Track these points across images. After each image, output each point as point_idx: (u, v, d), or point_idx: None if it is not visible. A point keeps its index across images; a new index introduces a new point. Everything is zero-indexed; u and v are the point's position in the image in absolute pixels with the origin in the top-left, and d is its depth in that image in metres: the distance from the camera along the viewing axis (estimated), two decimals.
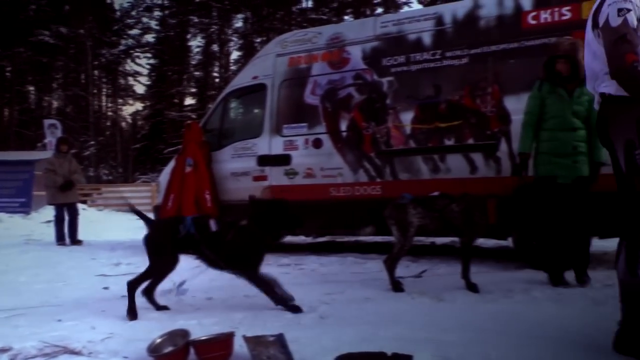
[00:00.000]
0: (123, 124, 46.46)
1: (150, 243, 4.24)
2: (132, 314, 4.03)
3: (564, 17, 6.07)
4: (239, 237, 4.16)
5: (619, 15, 2.75)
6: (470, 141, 6.47)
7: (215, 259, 4.17)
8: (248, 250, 4.16)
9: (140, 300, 4.20)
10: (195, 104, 38.33)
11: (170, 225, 4.37)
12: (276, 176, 7.54)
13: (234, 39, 39.83)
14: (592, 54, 3.01)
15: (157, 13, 39.66)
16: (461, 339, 3.28)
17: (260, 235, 4.21)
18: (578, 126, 4.87)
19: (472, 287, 4.78)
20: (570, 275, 5.02)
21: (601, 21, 2.85)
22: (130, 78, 42.87)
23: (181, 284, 4.94)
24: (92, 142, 33.88)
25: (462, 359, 2.94)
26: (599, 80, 2.98)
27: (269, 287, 4.17)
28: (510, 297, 4.50)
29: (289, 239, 9.25)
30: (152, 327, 3.61)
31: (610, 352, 3.00)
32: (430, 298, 4.53)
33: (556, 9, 6.12)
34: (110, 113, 45.20)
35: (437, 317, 3.88)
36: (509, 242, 6.51)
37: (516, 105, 6.16)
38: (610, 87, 2.88)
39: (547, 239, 5.25)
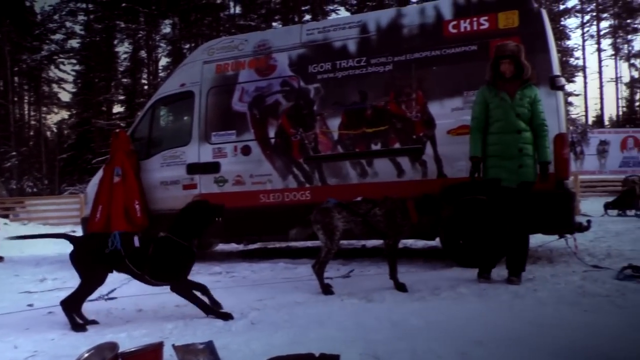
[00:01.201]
0: (48, 133, 44.86)
1: (77, 259, 4.21)
2: (77, 327, 4.00)
3: (482, 27, 6.39)
4: (158, 249, 4.18)
5: None
6: (397, 146, 6.66)
7: (140, 275, 4.19)
8: (169, 262, 4.19)
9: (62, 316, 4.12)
10: (124, 111, 37.34)
11: (96, 240, 4.32)
12: (206, 184, 7.49)
13: (162, 45, 39.17)
14: None
15: (81, 17, 38.44)
16: (389, 337, 3.43)
17: (181, 244, 4.22)
18: (522, 128, 5.07)
19: (400, 287, 4.95)
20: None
21: None
22: (54, 85, 41.41)
23: (110, 292, 5.01)
24: (14, 153, 32.41)
25: (390, 355, 3.07)
26: None
27: (196, 297, 4.22)
28: (438, 295, 4.70)
29: (220, 247, 9.21)
30: (79, 342, 3.55)
31: (528, 340, 3.20)
32: (360, 299, 4.65)
33: (475, 19, 6.42)
34: (33, 122, 43.50)
35: (366, 317, 4.01)
36: (437, 243, 6.72)
37: (440, 111, 6.43)
38: None
39: (479, 236, 5.49)
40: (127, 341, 3.46)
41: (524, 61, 5.11)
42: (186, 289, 4.24)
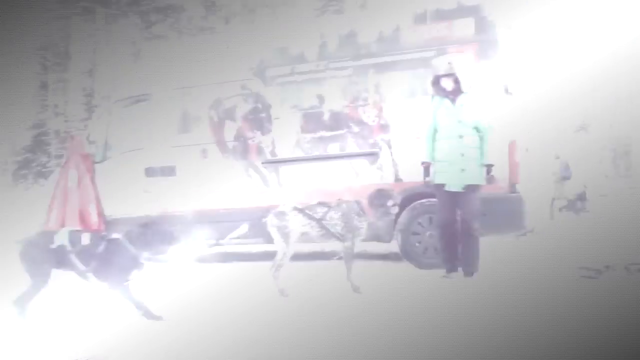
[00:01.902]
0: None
1: (25, 258, 4.20)
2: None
3: (439, 34, 6.49)
4: (109, 249, 4.20)
5: None
6: (354, 149, 6.71)
7: (83, 271, 4.20)
8: (116, 262, 4.20)
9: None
10: (82, 113, 36.57)
11: (43, 238, 4.36)
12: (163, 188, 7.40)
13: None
14: None
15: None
16: (342, 339, 3.48)
17: (131, 249, 4.24)
18: (465, 133, 5.30)
19: (356, 289, 4.99)
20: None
21: None
22: None
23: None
24: None
25: (342, 357, 3.09)
26: None
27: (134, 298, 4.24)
28: (393, 296, 4.77)
29: None
30: None
31: (479, 339, 3.28)
32: (315, 301, 4.70)
33: (433, 26, 6.53)
34: None
35: (321, 319, 4.06)
36: (394, 245, 6.79)
37: (396, 115, 6.51)
38: None
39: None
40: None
41: (458, 76, 5.37)
42: (127, 290, 4.25)
